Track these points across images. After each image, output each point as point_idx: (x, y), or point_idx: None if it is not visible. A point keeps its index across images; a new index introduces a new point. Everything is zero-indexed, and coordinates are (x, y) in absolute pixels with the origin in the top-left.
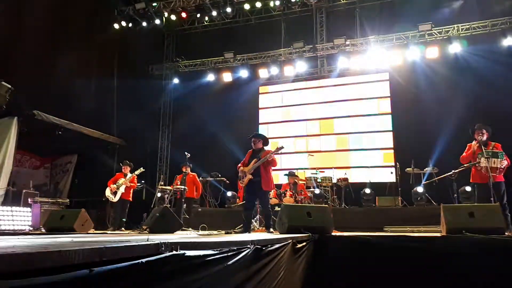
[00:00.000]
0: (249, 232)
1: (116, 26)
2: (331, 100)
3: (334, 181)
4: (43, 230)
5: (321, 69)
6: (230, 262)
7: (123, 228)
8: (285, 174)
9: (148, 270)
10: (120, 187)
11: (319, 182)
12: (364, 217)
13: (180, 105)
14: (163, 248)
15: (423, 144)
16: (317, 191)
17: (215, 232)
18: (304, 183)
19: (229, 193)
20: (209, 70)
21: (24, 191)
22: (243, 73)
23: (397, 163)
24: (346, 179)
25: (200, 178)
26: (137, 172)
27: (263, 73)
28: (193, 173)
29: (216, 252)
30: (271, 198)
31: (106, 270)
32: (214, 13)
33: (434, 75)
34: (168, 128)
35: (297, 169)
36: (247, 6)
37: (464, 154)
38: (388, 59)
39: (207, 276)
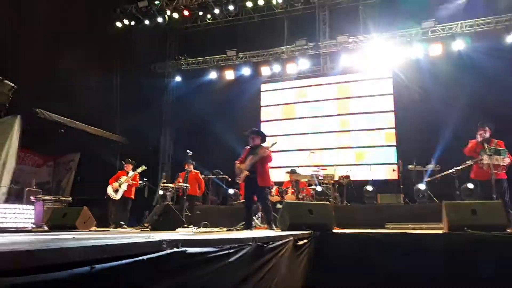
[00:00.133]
0: (251, 229)
1: (119, 24)
2: (333, 98)
3: (336, 178)
4: (46, 228)
5: (323, 66)
6: (231, 259)
7: (125, 226)
8: (287, 172)
9: (150, 267)
10: (122, 185)
11: (320, 179)
12: (366, 214)
13: (183, 103)
14: (164, 246)
15: (425, 142)
16: (319, 188)
17: (216, 229)
18: (306, 181)
19: (231, 191)
20: (211, 68)
21: (27, 189)
22: (246, 71)
23: (400, 161)
24: (348, 177)
25: (202, 175)
26: (139, 170)
27: (265, 71)
28: (196, 171)
29: (217, 249)
30: (272, 196)
31: (107, 267)
32: (217, 11)
33: (437, 72)
34: (170, 126)
35: (298, 166)
36: (249, 4)
37: (468, 146)
38: (391, 56)
39: (209, 273)
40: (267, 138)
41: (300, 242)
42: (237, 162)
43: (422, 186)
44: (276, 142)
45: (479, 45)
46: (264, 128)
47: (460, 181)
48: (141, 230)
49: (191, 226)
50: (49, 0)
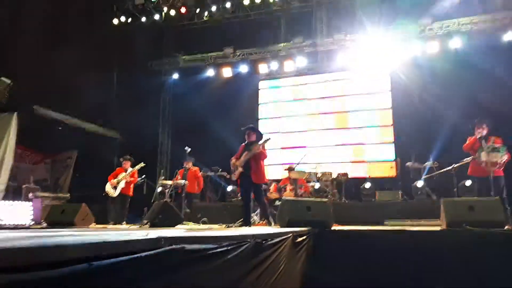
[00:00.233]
0: (250, 226)
1: (116, 21)
2: (331, 95)
3: (334, 175)
4: (44, 225)
5: (321, 64)
6: (230, 256)
7: (124, 223)
8: (285, 169)
9: (147, 264)
10: (120, 182)
11: (319, 176)
12: (364, 211)
13: (180, 100)
14: (162, 242)
15: (423, 139)
16: (317, 185)
17: (215, 226)
18: (304, 178)
19: (229, 188)
20: (208, 66)
21: (24, 186)
22: (243, 68)
23: (398, 158)
24: (346, 174)
25: (201, 172)
26: (137, 167)
27: (263, 68)
28: (195, 168)
29: (216, 246)
30: (271, 193)
31: (105, 264)
32: (214, 8)
33: (434, 70)
34: (168, 122)
35: (297, 163)
36: (246, 1)
37: (467, 142)
38: (388, 54)
39: (207, 270)
40: (264, 135)
41: (299, 239)
42: (233, 158)
43: (420, 183)
44: (269, 139)
45: (476, 43)
46: (262, 125)
47: (458, 178)
48: (140, 227)
49: (190, 223)
50: None
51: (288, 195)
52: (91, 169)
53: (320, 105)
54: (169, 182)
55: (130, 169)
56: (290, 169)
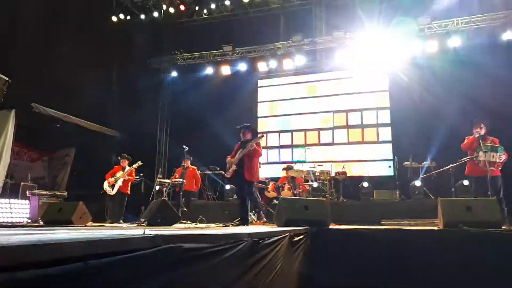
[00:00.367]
0: (247, 225)
1: (114, 18)
2: (329, 94)
3: (332, 174)
4: (41, 223)
5: (320, 62)
6: (226, 255)
7: (121, 221)
8: (283, 168)
9: (144, 263)
10: (118, 180)
11: (317, 175)
12: (362, 211)
13: (179, 98)
14: (159, 241)
15: (421, 138)
16: (315, 184)
17: (213, 225)
18: (302, 177)
19: (227, 186)
20: (207, 63)
21: (22, 183)
22: (242, 66)
23: (396, 157)
24: (344, 173)
25: (199, 171)
26: (135, 166)
27: (262, 66)
28: (194, 166)
29: (213, 245)
30: (268, 192)
31: (101, 263)
32: (213, 5)
33: (433, 69)
34: (166, 121)
35: (295, 162)
36: None
37: (466, 141)
38: (387, 53)
39: (204, 269)
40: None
41: (296, 238)
42: (229, 156)
43: (417, 183)
44: (262, 136)
45: (475, 41)
46: (261, 123)
47: (455, 178)
48: (137, 226)
49: (188, 221)
50: None
51: (286, 194)
52: (89, 167)
53: (319, 103)
54: (167, 181)
55: (127, 168)
56: (288, 168)
